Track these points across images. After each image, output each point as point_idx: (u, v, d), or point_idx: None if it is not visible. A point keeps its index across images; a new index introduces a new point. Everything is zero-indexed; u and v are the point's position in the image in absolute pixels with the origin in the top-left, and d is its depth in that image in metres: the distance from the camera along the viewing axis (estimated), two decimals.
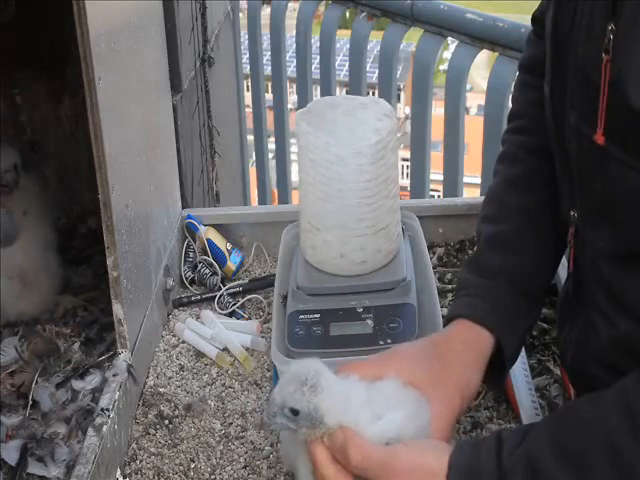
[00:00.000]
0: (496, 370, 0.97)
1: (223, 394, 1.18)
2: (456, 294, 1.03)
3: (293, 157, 3.05)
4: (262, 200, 3.26)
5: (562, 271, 1.09)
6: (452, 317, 0.98)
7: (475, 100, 10.55)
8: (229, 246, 1.46)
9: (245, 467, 1.05)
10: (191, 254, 1.45)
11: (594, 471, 0.74)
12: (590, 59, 0.80)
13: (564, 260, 1.03)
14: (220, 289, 1.39)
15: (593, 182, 0.84)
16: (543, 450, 0.76)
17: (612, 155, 0.78)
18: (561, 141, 0.90)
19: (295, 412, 0.82)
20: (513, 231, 1.02)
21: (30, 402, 1.11)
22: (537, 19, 1.05)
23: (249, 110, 3.15)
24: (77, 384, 1.12)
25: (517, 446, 0.78)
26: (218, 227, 1.49)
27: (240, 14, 2.96)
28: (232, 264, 1.44)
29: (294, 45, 2.80)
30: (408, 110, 3.20)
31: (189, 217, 1.48)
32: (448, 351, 0.93)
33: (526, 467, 0.76)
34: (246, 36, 3.04)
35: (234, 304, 1.36)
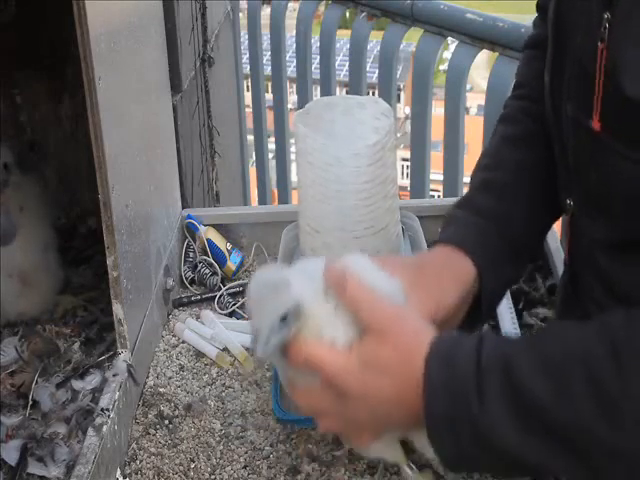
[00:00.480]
0: (472, 316, 0.95)
1: (223, 394, 1.18)
2: (443, 227, 1.01)
3: (293, 157, 3.05)
4: (262, 200, 3.26)
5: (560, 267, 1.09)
6: (439, 242, 0.97)
7: (475, 100, 10.56)
8: (229, 246, 1.46)
9: (245, 467, 1.05)
10: (191, 254, 1.45)
11: (571, 387, 0.71)
12: (587, 49, 0.80)
13: (562, 255, 1.03)
14: (220, 289, 1.39)
15: (589, 173, 0.83)
16: (522, 356, 0.74)
17: (607, 145, 0.78)
18: (559, 131, 0.90)
19: (284, 318, 0.79)
20: (509, 181, 1.00)
21: (30, 402, 1.11)
22: (541, 7, 1.06)
23: (249, 110, 3.15)
24: (77, 384, 1.12)
25: (497, 347, 0.76)
26: (218, 227, 1.49)
27: (240, 14, 2.96)
28: (232, 264, 1.44)
29: (294, 45, 2.80)
30: (408, 110, 3.20)
31: (189, 217, 1.48)
32: (428, 263, 0.94)
33: (503, 369, 0.74)
34: (246, 36, 3.04)
35: (234, 304, 1.36)
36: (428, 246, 1.28)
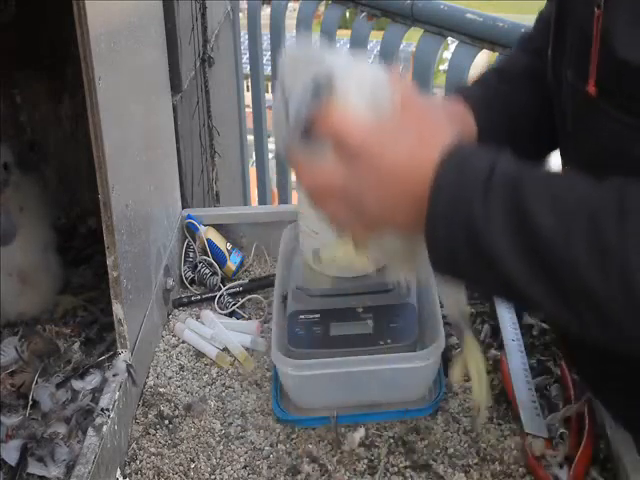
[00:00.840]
0: None
1: (223, 394, 1.18)
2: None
3: None
4: (262, 200, 3.26)
5: None
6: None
7: None
8: (229, 246, 1.46)
9: (245, 467, 1.05)
10: (191, 254, 1.45)
11: (571, 229, 0.72)
12: (586, 16, 0.81)
13: None
14: (220, 289, 1.39)
15: (586, 139, 0.84)
16: (536, 184, 0.75)
17: (603, 109, 0.79)
18: (559, 99, 0.91)
19: (316, 88, 0.77)
20: (516, 73, 1.04)
21: (30, 402, 1.11)
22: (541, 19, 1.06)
23: (249, 110, 3.15)
24: (77, 384, 1.12)
25: (513, 167, 0.76)
26: (218, 227, 1.49)
27: (240, 14, 2.96)
28: (232, 264, 1.44)
29: None
30: None
31: (189, 217, 1.48)
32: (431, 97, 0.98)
33: (514, 187, 0.74)
34: (246, 36, 3.04)
35: (234, 304, 1.36)
36: None
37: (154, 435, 1.11)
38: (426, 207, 0.76)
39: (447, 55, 2.43)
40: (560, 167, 0.95)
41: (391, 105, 0.80)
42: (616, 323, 0.72)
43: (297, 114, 0.78)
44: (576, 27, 0.86)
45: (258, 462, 1.06)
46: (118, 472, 1.04)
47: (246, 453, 1.07)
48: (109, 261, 1.08)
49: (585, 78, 0.81)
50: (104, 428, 1.01)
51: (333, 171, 0.80)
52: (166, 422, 1.13)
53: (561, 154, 0.95)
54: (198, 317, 1.34)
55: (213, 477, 1.04)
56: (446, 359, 1.17)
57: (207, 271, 1.42)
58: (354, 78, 0.80)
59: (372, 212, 0.81)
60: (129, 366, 1.12)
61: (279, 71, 0.82)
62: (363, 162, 0.79)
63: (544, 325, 1.23)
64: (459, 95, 0.99)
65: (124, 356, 1.13)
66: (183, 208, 1.51)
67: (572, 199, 0.73)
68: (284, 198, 3.10)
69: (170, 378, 1.22)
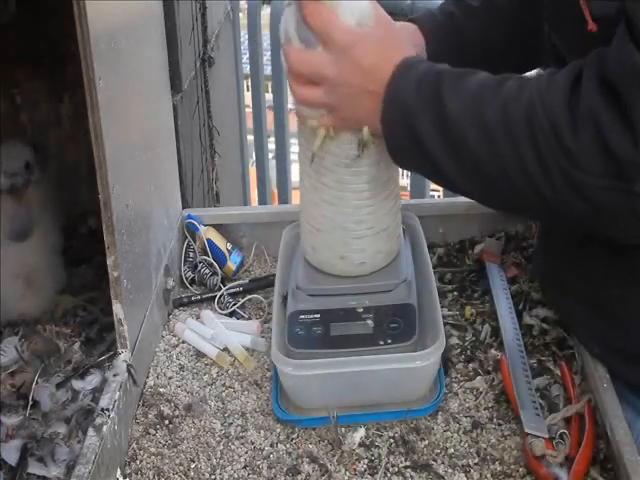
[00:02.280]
0: None
1: (223, 394, 1.18)
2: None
3: (293, 157, 3.05)
4: (262, 200, 3.26)
5: None
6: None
7: None
8: (229, 246, 1.46)
9: (245, 467, 1.05)
10: (191, 254, 1.45)
11: (467, 111, 0.90)
12: None
13: None
14: (220, 289, 1.39)
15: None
16: (448, 78, 0.93)
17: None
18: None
19: None
20: (474, 6, 1.22)
21: (30, 402, 1.11)
22: None
23: (249, 110, 3.15)
24: (77, 384, 1.12)
25: (439, 71, 0.95)
26: (218, 227, 1.49)
27: (240, 14, 2.96)
28: (232, 264, 1.44)
29: None
30: None
31: (189, 217, 1.48)
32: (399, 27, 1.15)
33: (434, 86, 0.93)
34: (246, 36, 3.04)
35: (234, 304, 1.36)
36: (428, 246, 1.28)
37: (154, 435, 1.11)
38: (381, 104, 0.95)
39: None
40: None
41: (371, 20, 1.00)
42: (498, 182, 0.90)
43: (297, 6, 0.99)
44: None
45: (258, 462, 1.06)
46: (118, 472, 1.04)
47: (246, 453, 1.07)
48: (109, 261, 1.08)
49: (567, 27, 0.97)
50: (104, 428, 1.01)
51: (321, 59, 0.98)
52: (166, 422, 1.13)
53: None
54: (198, 317, 1.34)
55: (213, 477, 1.04)
56: (446, 359, 1.18)
57: (207, 271, 1.42)
58: None
59: (343, 102, 0.99)
60: (129, 366, 1.12)
61: None
62: (344, 55, 0.97)
63: (544, 325, 1.23)
64: (417, 22, 1.20)
65: (124, 356, 1.13)
66: (183, 208, 1.51)
67: (474, 86, 0.91)
68: (284, 198, 3.10)
69: (170, 378, 1.22)
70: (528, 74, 0.98)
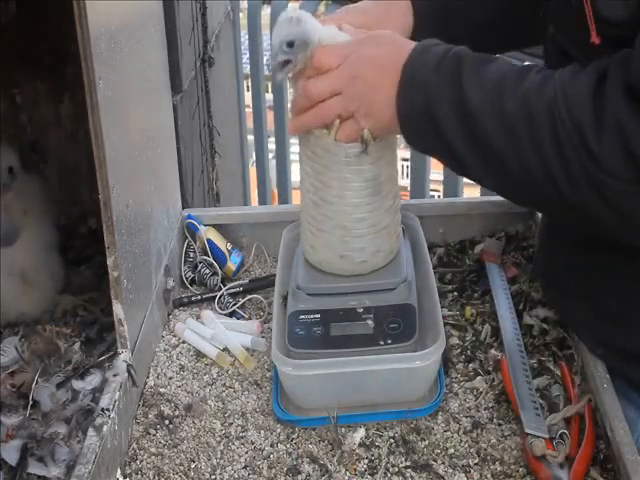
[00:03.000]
0: None
1: (223, 394, 1.18)
2: None
3: (293, 157, 3.05)
4: (262, 200, 3.26)
5: None
6: None
7: None
8: (229, 246, 1.46)
9: (245, 467, 1.05)
10: (191, 254, 1.45)
11: (487, 102, 0.90)
12: None
13: None
14: (220, 289, 1.39)
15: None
16: (468, 64, 0.93)
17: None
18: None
19: (290, 44, 1.01)
20: None
21: (30, 402, 1.11)
22: None
23: (249, 110, 3.15)
24: (77, 384, 1.12)
25: (458, 52, 0.95)
26: (218, 227, 1.49)
27: (240, 14, 2.96)
28: (232, 264, 1.44)
29: None
30: None
31: (189, 217, 1.48)
32: (392, 9, 1.16)
33: (454, 69, 0.93)
34: (246, 36, 3.04)
35: (234, 304, 1.36)
36: (428, 246, 1.28)
37: (154, 435, 1.11)
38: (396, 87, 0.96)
39: None
40: None
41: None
42: (515, 173, 0.90)
43: (274, 57, 1.03)
44: None
45: (258, 462, 1.06)
46: (118, 472, 1.04)
47: (246, 453, 1.07)
48: (109, 261, 1.08)
49: (574, 33, 0.94)
50: (104, 428, 1.01)
51: (335, 74, 1.01)
52: (166, 422, 1.13)
53: None
54: (198, 317, 1.34)
55: (213, 477, 1.04)
56: (446, 359, 1.18)
57: (207, 271, 1.42)
58: (324, 33, 1.05)
59: (361, 101, 1.00)
60: (129, 366, 1.12)
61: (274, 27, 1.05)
62: (354, 55, 1.00)
63: (544, 325, 1.23)
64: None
65: (124, 356, 1.13)
66: (183, 208, 1.51)
67: (495, 74, 0.91)
68: (284, 198, 3.11)
69: (170, 378, 1.22)
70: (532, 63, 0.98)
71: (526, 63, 0.96)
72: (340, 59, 1.01)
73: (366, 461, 1.04)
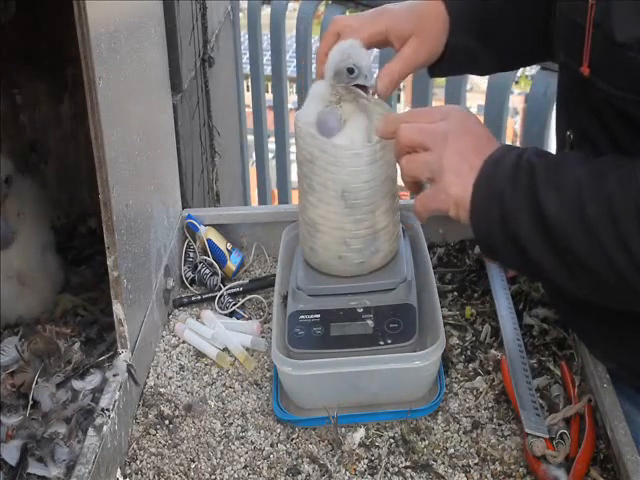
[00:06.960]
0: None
1: (223, 394, 1.18)
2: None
3: (293, 157, 3.05)
4: (262, 200, 3.26)
5: None
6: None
7: (475, 100, 10.51)
8: (229, 246, 1.46)
9: (245, 467, 1.05)
10: (191, 254, 1.45)
11: (567, 214, 0.88)
12: (579, 7, 0.92)
13: None
14: (220, 289, 1.39)
15: (581, 106, 0.99)
16: (542, 174, 0.91)
17: (596, 86, 0.91)
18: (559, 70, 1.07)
19: (351, 70, 1.07)
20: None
21: (30, 402, 1.11)
22: None
23: (249, 110, 3.15)
24: (77, 384, 1.12)
25: (530, 160, 0.92)
26: (218, 227, 1.49)
27: (240, 14, 2.96)
28: (232, 264, 1.44)
29: (294, 45, 2.80)
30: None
31: (189, 217, 1.48)
32: (426, 14, 1.13)
33: (528, 181, 0.91)
34: (246, 36, 3.04)
35: (234, 304, 1.36)
36: (428, 246, 1.28)
37: (154, 435, 1.11)
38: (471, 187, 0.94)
39: None
40: (561, 133, 1.07)
41: None
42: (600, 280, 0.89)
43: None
44: (566, 17, 0.98)
45: (258, 462, 1.06)
46: (118, 472, 1.04)
47: (246, 453, 1.07)
48: (109, 261, 1.08)
49: (578, 60, 0.93)
50: (104, 428, 1.01)
51: (432, 126, 0.98)
52: (166, 422, 1.13)
53: (560, 119, 1.09)
54: (198, 317, 1.34)
55: (213, 477, 1.04)
56: (446, 359, 1.18)
57: (207, 271, 1.42)
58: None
59: (446, 167, 0.96)
60: (129, 366, 1.12)
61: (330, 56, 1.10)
62: (454, 115, 1.00)
63: (544, 325, 1.23)
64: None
65: (124, 356, 1.13)
66: (183, 208, 1.51)
67: (571, 183, 0.89)
68: (284, 198, 3.11)
69: (170, 378, 1.22)
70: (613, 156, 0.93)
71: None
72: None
73: (366, 461, 1.05)
